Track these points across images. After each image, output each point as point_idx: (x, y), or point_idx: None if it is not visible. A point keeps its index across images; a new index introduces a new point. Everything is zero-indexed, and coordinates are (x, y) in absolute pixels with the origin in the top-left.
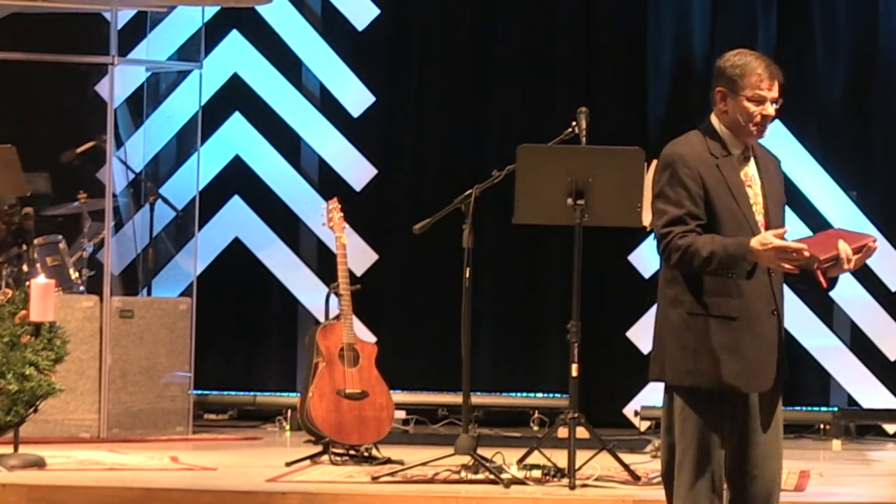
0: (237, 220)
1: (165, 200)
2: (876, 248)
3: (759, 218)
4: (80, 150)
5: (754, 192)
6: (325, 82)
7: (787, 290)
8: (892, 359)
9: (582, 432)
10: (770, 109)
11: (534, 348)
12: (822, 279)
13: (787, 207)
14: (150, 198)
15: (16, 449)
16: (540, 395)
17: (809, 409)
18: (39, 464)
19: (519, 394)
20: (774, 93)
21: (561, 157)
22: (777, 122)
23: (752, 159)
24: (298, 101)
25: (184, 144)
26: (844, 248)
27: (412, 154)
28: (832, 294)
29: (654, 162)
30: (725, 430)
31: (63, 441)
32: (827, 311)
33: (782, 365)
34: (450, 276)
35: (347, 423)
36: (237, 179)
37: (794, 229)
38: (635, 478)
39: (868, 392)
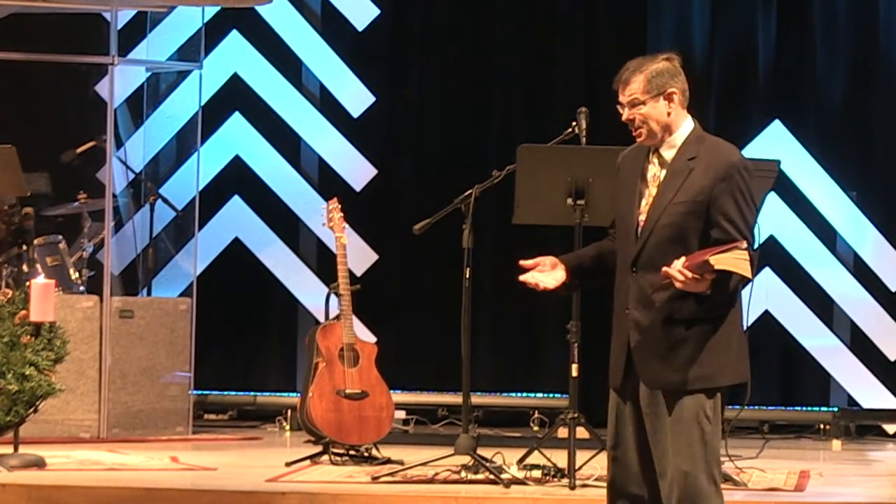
0: (237, 220)
1: (165, 200)
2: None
3: (642, 218)
4: (80, 150)
5: (649, 193)
6: (325, 82)
7: (788, 291)
8: (892, 359)
9: (582, 432)
10: (624, 114)
11: (534, 348)
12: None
13: (789, 207)
14: (150, 198)
15: (16, 449)
16: (540, 395)
17: (809, 409)
18: (39, 464)
19: (519, 394)
20: (624, 97)
21: (561, 157)
22: (777, 121)
23: (669, 161)
24: (298, 101)
25: (184, 144)
26: (674, 267)
27: (412, 154)
28: (832, 294)
29: None
30: (616, 422)
31: (63, 441)
32: (827, 311)
33: (649, 366)
34: (450, 276)
35: (347, 423)
36: (237, 179)
37: (794, 229)
38: None
39: (868, 392)
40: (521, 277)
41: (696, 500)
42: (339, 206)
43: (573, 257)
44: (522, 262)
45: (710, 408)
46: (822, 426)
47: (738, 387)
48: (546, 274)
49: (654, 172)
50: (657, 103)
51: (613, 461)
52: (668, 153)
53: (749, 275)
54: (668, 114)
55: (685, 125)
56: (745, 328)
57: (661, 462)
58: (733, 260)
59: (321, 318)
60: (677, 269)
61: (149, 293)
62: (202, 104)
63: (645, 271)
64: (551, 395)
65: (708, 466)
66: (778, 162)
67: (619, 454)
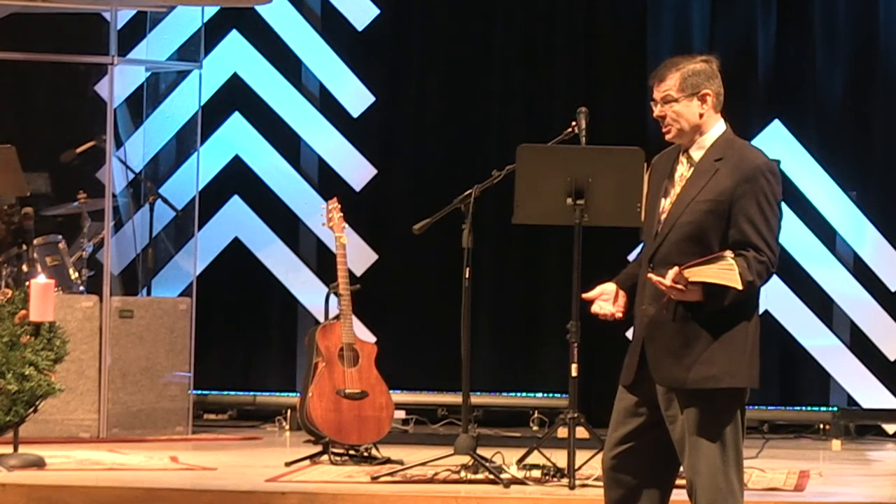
0: (237, 220)
1: (165, 200)
2: (675, 274)
3: (664, 217)
4: (79, 150)
5: (674, 192)
6: (325, 82)
7: (788, 291)
8: (892, 359)
9: (582, 432)
10: (656, 111)
11: (534, 348)
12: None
13: (789, 207)
14: (150, 198)
15: (15, 449)
16: (540, 395)
17: (809, 409)
18: (39, 464)
19: (519, 394)
20: (658, 93)
21: (561, 157)
22: (777, 121)
23: (697, 161)
24: (298, 101)
25: (183, 144)
26: (669, 277)
27: (412, 154)
28: (832, 294)
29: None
30: (617, 418)
31: (63, 441)
32: (827, 311)
33: (660, 362)
34: (450, 276)
35: (347, 423)
36: (237, 179)
37: (794, 229)
38: None
39: (868, 392)
40: (593, 310)
41: (715, 501)
42: (339, 205)
43: (625, 278)
44: (585, 296)
45: (725, 408)
46: (821, 426)
47: (746, 391)
48: (610, 303)
49: (682, 172)
50: (690, 103)
51: (614, 458)
52: (697, 153)
53: (739, 285)
54: (700, 115)
55: (716, 128)
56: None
57: (684, 463)
58: (715, 271)
59: (321, 318)
60: (656, 279)
61: (148, 293)
62: (202, 104)
63: (661, 268)
64: (551, 395)
65: (725, 467)
66: (778, 162)
67: (619, 452)
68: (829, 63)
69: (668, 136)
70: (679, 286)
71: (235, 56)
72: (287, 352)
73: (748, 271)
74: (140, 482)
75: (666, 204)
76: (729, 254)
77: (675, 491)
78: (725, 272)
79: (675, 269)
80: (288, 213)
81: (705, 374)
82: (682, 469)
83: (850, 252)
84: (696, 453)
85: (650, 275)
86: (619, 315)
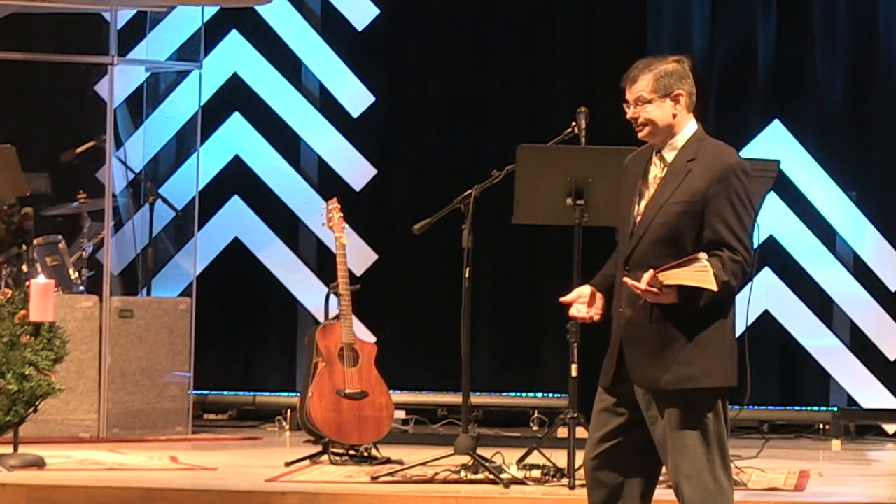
0: (237, 220)
1: (165, 200)
2: (649, 279)
3: (639, 219)
4: (79, 150)
5: (648, 193)
6: (325, 82)
7: (788, 291)
8: (891, 359)
9: (581, 432)
10: (629, 112)
11: (534, 348)
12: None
13: (789, 207)
14: (150, 198)
15: (15, 449)
16: (539, 395)
17: (809, 409)
18: (39, 464)
19: (518, 394)
20: (631, 95)
21: (561, 157)
22: (777, 121)
23: (670, 162)
24: (298, 101)
25: (183, 144)
26: (644, 280)
27: (412, 154)
28: (832, 294)
29: None
30: (597, 420)
31: (63, 441)
32: (826, 311)
33: (638, 364)
34: (450, 276)
35: (347, 423)
36: (237, 179)
37: (793, 229)
38: None
39: (868, 392)
40: (571, 313)
41: (706, 500)
42: (339, 205)
43: (601, 280)
44: (562, 299)
45: (706, 407)
46: (821, 426)
47: (728, 390)
48: (586, 306)
49: (656, 173)
50: (663, 103)
51: (595, 459)
52: (670, 154)
53: (714, 287)
54: (673, 115)
55: (688, 127)
56: (744, 328)
57: (668, 464)
58: (690, 273)
59: (321, 318)
60: (631, 283)
61: (148, 293)
62: (202, 104)
63: (637, 270)
64: (551, 395)
65: (711, 465)
66: (778, 162)
67: (600, 453)
68: (829, 63)
69: (640, 135)
70: (654, 289)
71: (235, 56)
72: (287, 352)
73: (723, 272)
74: (140, 482)
75: (640, 206)
76: (703, 256)
77: (663, 491)
78: (700, 274)
79: (650, 272)
80: (288, 213)
81: (683, 375)
82: (666, 469)
83: (850, 252)
84: (680, 454)
85: (625, 278)
86: (597, 318)
